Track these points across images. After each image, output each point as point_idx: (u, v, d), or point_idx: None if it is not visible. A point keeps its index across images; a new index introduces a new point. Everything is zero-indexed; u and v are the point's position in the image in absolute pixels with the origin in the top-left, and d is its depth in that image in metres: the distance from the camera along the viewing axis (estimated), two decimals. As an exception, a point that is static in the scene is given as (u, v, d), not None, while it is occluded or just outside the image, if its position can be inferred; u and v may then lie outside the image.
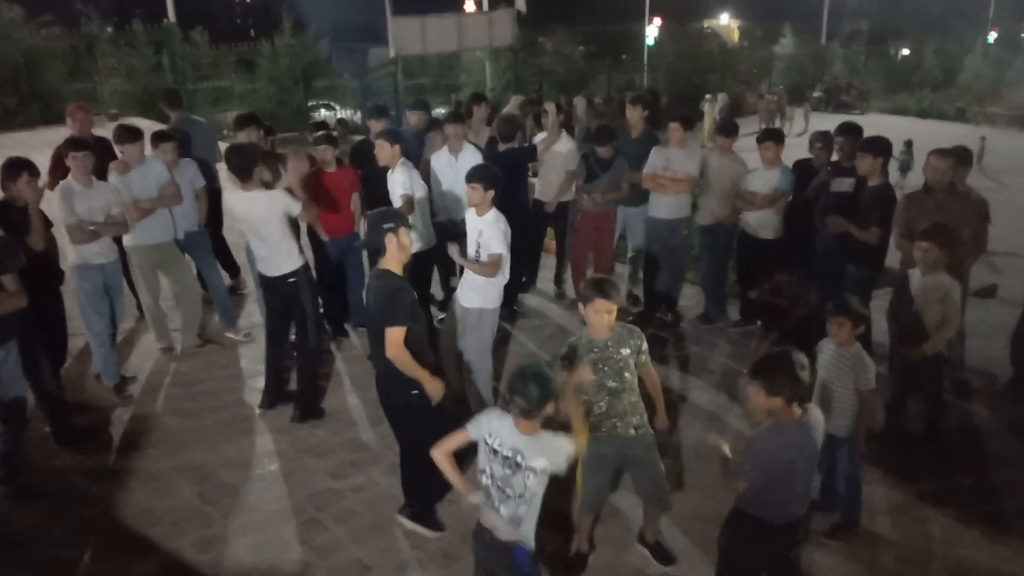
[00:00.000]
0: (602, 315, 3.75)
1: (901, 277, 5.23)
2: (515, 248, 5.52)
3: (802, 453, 3.23)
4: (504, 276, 5.35)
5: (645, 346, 3.93)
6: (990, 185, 13.83)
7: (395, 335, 3.99)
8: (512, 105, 9.82)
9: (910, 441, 5.30)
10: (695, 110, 25.53)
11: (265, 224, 5.52)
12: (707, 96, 23.76)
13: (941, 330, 4.89)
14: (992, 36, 40.88)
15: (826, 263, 6.34)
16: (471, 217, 5.38)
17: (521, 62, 26.54)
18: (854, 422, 4.30)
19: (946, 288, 4.84)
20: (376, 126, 7.40)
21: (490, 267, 5.23)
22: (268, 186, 5.80)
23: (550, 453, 3.03)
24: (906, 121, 25.98)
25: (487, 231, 5.21)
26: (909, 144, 15.55)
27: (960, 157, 5.96)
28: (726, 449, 3.35)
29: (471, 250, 5.35)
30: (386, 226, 4.07)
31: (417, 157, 7.40)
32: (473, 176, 5.23)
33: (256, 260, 5.93)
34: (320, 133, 6.93)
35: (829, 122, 25.13)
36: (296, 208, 5.60)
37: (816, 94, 28.76)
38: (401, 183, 6.07)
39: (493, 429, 3.15)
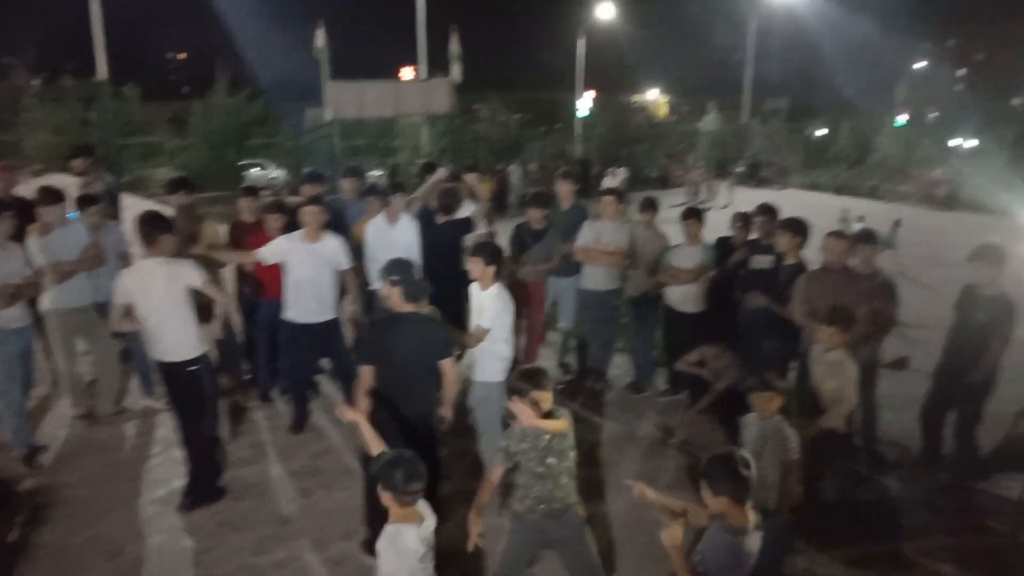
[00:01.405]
0: (542, 404, 3.82)
1: (803, 353, 5.44)
2: (457, 317, 5.57)
3: (749, 558, 3.28)
4: (509, 351, 5.39)
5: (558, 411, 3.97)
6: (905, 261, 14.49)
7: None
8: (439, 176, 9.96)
9: (825, 512, 5.45)
10: (627, 181, 26.33)
11: (164, 299, 5.11)
12: (608, 170, 24.45)
13: (836, 406, 5.05)
14: (903, 118, 43.45)
15: (747, 336, 6.55)
16: (475, 291, 5.48)
17: (457, 128, 27.00)
18: (777, 494, 4.40)
19: (842, 366, 5.04)
20: (309, 191, 7.42)
21: (471, 338, 5.33)
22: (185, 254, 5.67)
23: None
24: (823, 197, 27.21)
25: (486, 305, 5.30)
26: (897, 223, 16.52)
27: (863, 238, 6.26)
28: (678, 536, 3.37)
29: (473, 323, 5.41)
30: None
31: (352, 224, 7.44)
32: (475, 250, 5.36)
33: (152, 342, 5.28)
34: (271, 200, 6.95)
35: (751, 196, 26.15)
36: (199, 280, 5.23)
37: (739, 169, 29.94)
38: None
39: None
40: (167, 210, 6.36)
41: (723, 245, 7.23)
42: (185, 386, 5.26)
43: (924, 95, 58.69)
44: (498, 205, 17.22)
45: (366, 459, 4.80)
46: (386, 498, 3.28)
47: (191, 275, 5.24)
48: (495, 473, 3.98)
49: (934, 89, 61.02)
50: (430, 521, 3.41)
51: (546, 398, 3.82)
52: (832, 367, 5.10)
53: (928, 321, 6.97)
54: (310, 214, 6.19)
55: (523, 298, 7.53)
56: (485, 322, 5.28)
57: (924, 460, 6.31)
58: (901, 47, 63.59)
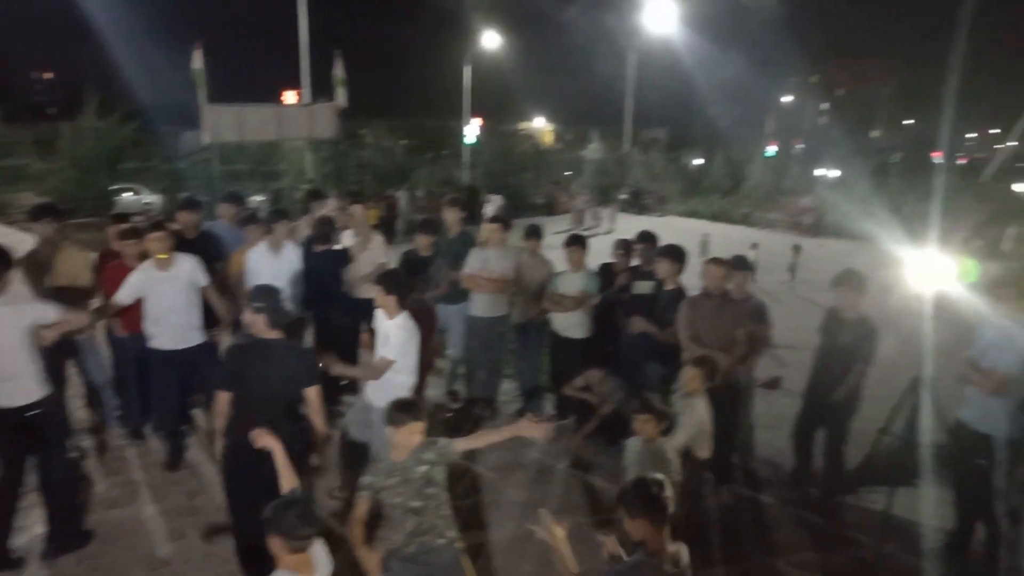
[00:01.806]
0: (415, 436, 3.78)
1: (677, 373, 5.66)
2: (340, 347, 5.48)
3: None
4: (412, 379, 5.35)
5: (438, 455, 3.92)
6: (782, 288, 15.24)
7: None
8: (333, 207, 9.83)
9: (704, 531, 5.62)
10: (513, 208, 26.65)
11: (5, 341, 4.70)
12: (484, 197, 24.76)
13: (699, 438, 5.31)
14: (773, 149, 45.96)
15: (630, 361, 6.72)
16: (380, 319, 5.41)
17: (342, 154, 26.67)
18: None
19: (693, 406, 5.27)
20: (186, 218, 7.16)
21: (373, 371, 5.27)
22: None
23: None
24: (699, 223, 28.35)
25: (392, 334, 5.23)
26: (798, 248, 17.26)
27: (736, 264, 6.56)
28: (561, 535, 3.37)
29: (378, 352, 5.33)
30: None
31: (231, 251, 7.21)
32: (379, 279, 5.35)
33: None
34: (126, 227, 6.59)
35: (634, 222, 26.94)
36: (49, 318, 4.87)
37: (622, 196, 30.87)
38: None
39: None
40: (28, 239, 6.00)
41: (605, 271, 7.41)
42: (26, 432, 4.84)
43: (791, 127, 62.45)
44: (386, 231, 17.08)
45: (232, 498, 4.65)
46: (275, 544, 3.06)
47: (39, 313, 4.90)
48: (359, 510, 3.87)
49: (800, 122, 65.03)
50: (324, 571, 3.23)
51: (422, 427, 3.80)
52: (686, 405, 5.33)
53: (798, 342, 7.33)
54: (155, 240, 5.95)
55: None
56: (390, 352, 5.21)
57: (796, 477, 6.62)
58: (770, 82, 67.43)
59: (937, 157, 52.11)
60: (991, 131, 68.23)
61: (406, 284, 5.46)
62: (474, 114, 35.76)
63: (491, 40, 34.81)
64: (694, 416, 5.26)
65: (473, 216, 22.61)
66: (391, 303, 5.25)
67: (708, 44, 47.78)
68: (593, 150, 36.66)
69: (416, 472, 3.80)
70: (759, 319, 6.42)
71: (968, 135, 76.71)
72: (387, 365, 5.21)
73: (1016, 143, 42.46)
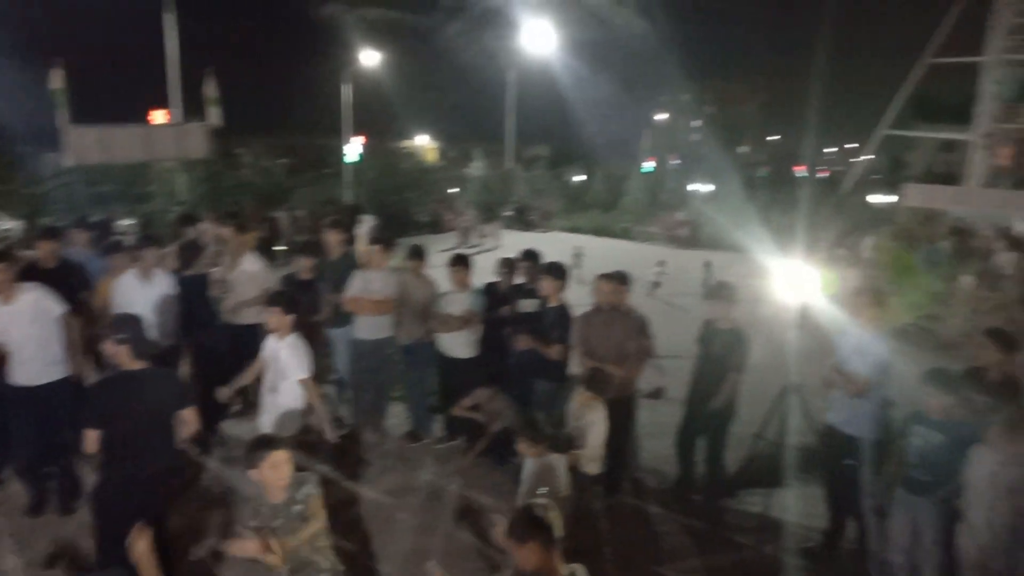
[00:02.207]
0: (282, 467, 3.68)
1: (567, 388, 5.76)
2: (214, 374, 5.30)
3: None
4: (301, 401, 5.36)
5: (313, 488, 3.87)
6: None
7: None
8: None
9: (594, 545, 5.71)
10: (398, 227, 26.42)
11: None
12: (358, 218, 24.45)
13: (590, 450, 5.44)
14: (649, 165, 47.55)
15: (518, 378, 6.76)
16: (270, 343, 5.35)
17: (218, 174, 25.77)
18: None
19: (594, 419, 5.40)
20: (46, 247, 6.73)
21: (305, 398, 5.30)
22: None
23: None
24: (583, 238, 28.97)
25: (284, 355, 5.17)
26: (708, 264, 17.99)
27: (621, 280, 6.72)
28: None
29: (268, 376, 5.28)
30: None
31: (92, 279, 6.83)
32: (272, 299, 5.33)
33: None
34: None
35: (519, 239, 27.11)
36: None
37: (507, 213, 31.14)
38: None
39: None
40: None
41: (490, 290, 7.44)
42: None
43: (667, 144, 64.93)
44: (267, 254, 16.57)
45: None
46: None
47: None
48: (141, 544, 3.61)
49: (675, 138, 67.66)
50: None
51: (288, 456, 3.71)
52: (584, 409, 5.44)
53: (681, 352, 7.54)
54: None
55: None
56: (293, 373, 5.20)
57: (680, 484, 6.82)
58: (644, 100, 69.94)
59: (800, 171, 55.48)
60: (848, 145, 72.96)
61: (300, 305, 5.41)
62: (356, 132, 35.33)
63: (370, 58, 34.54)
64: (600, 431, 5.36)
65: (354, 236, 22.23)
66: (286, 323, 5.18)
67: (585, 63, 49.11)
68: (477, 167, 36.89)
69: (293, 511, 3.71)
70: (642, 331, 6.60)
71: (827, 149, 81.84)
72: (307, 383, 5.18)
73: (871, 157, 45.61)
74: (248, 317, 7.34)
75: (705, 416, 6.36)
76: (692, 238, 28.03)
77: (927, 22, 36.67)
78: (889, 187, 35.92)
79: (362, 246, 10.08)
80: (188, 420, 4.59)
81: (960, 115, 40.32)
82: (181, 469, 4.53)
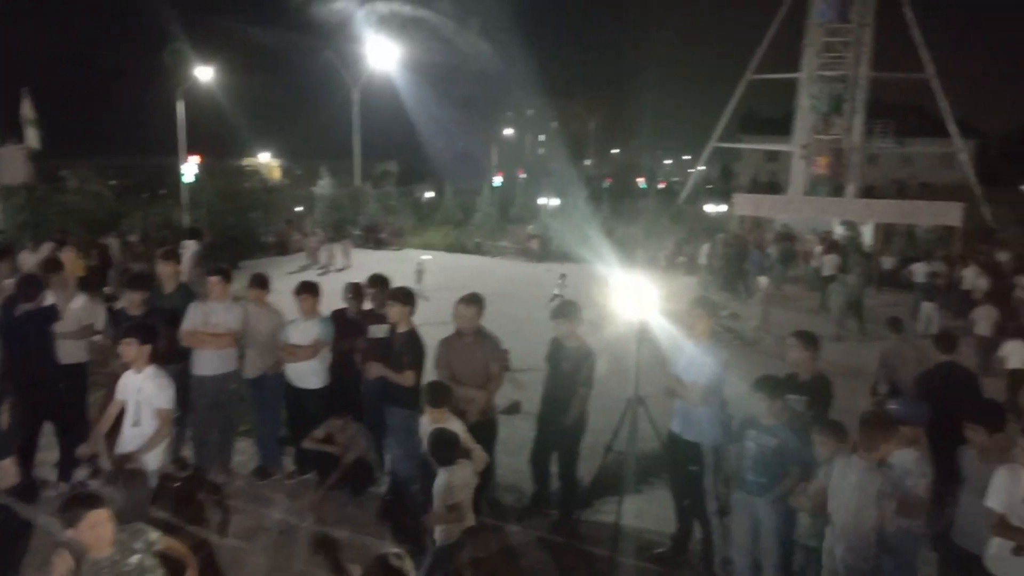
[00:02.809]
0: (102, 525, 3.45)
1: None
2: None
3: None
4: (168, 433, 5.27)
5: (155, 536, 3.69)
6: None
7: None
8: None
9: (456, 569, 5.68)
10: (242, 250, 25.44)
11: None
12: (183, 242, 23.48)
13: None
14: (498, 180, 48.31)
15: (370, 407, 6.66)
16: (128, 378, 5.21)
17: (40, 200, 23.88)
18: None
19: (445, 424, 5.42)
20: None
21: (162, 431, 5.11)
22: None
23: None
24: (435, 255, 28.98)
25: (148, 387, 5.05)
26: (563, 276, 18.16)
27: (480, 303, 6.72)
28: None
29: (130, 410, 5.11)
30: None
31: None
32: (128, 331, 5.19)
33: None
34: None
35: (370, 258, 26.69)
36: None
37: (356, 232, 30.65)
38: None
39: None
40: None
41: (339, 317, 7.28)
42: None
43: (515, 158, 66.15)
44: (98, 284, 15.50)
45: None
46: None
47: None
48: None
49: (521, 154, 69.05)
50: None
51: (109, 515, 3.49)
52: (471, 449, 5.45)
53: (535, 364, 7.62)
54: None
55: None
56: (158, 403, 5.12)
57: (536, 500, 6.90)
58: (491, 115, 70.96)
59: (641, 182, 58.06)
60: (684, 157, 77.02)
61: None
62: (192, 151, 33.82)
63: (204, 73, 33.17)
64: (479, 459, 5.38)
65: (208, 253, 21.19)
66: (144, 355, 4.92)
67: (432, 79, 49.36)
68: (324, 185, 36.07)
69: (129, 565, 3.47)
70: (500, 353, 6.65)
71: (666, 161, 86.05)
72: (168, 414, 5.18)
73: (704, 168, 48.40)
74: (70, 356, 6.85)
75: (557, 432, 6.49)
76: (542, 251, 28.63)
77: (750, 41, 39.29)
78: (721, 196, 38.14)
79: (184, 274, 9.61)
80: (5, 472, 4.21)
81: (781, 127, 43.60)
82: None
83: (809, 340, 5.79)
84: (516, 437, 8.02)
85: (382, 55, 38.26)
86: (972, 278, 18.43)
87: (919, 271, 18.92)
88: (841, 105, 35.57)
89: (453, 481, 4.97)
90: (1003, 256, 23.55)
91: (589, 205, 35.29)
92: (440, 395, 5.52)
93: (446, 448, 5.03)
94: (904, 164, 55.15)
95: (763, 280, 18.22)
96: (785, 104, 42.39)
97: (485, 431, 6.07)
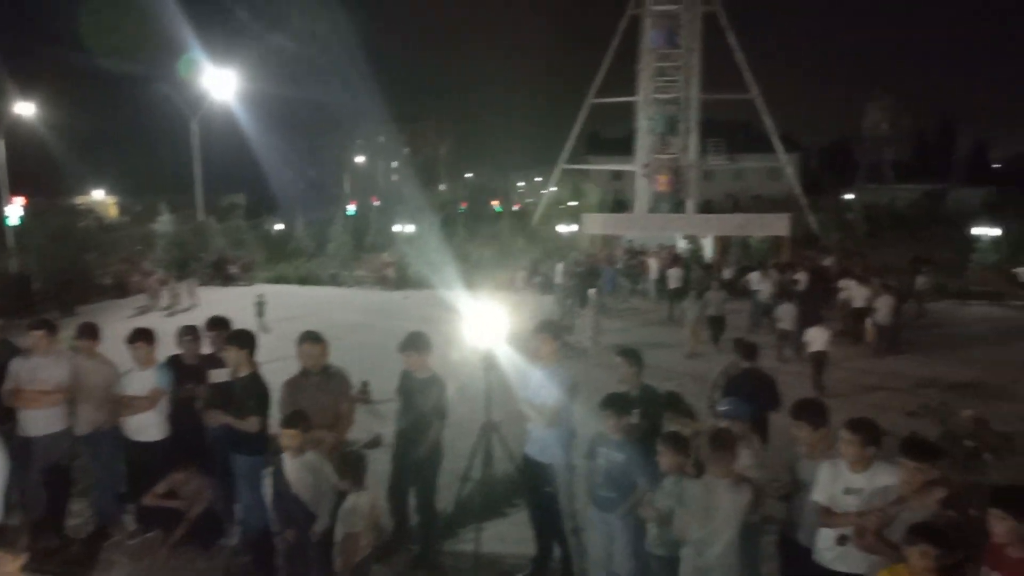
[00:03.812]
0: None
1: (276, 463, 5.55)
2: None
3: None
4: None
5: None
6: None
7: None
8: None
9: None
10: (77, 293, 23.80)
11: None
12: None
13: (321, 504, 5.29)
14: (352, 208, 47.63)
15: (216, 456, 6.38)
16: None
17: None
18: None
19: (316, 465, 5.29)
20: None
21: None
22: None
23: None
24: (289, 288, 28.25)
25: None
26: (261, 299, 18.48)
27: (323, 340, 6.60)
28: None
29: None
30: None
31: None
32: None
33: None
34: None
35: (218, 295, 25.70)
36: None
37: (202, 268, 29.40)
38: None
39: None
40: None
41: (176, 364, 6.92)
42: None
43: (368, 186, 65.53)
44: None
45: None
46: None
47: None
48: None
49: (374, 181, 68.52)
50: None
51: None
52: (305, 469, 5.27)
53: (387, 395, 7.53)
54: None
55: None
56: None
57: (396, 536, 6.81)
58: (342, 144, 70.08)
59: (496, 205, 58.84)
60: (536, 179, 78.74)
61: None
62: (16, 192, 31.46)
63: (25, 108, 31.01)
64: (322, 474, 5.33)
65: (29, 306, 19.72)
66: None
67: (276, 109, 48.20)
68: (165, 222, 34.38)
69: None
70: (348, 390, 6.54)
71: (519, 184, 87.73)
72: None
73: (555, 189, 49.62)
74: None
75: (413, 464, 6.44)
76: (399, 279, 28.47)
77: (594, 65, 40.84)
78: (572, 216, 39.30)
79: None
80: None
81: (624, 148, 45.50)
82: None
83: (633, 356, 6.03)
84: (378, 471, 7.92)
85: (222, 85, 37.05)
86: (803, 282, 19.95)
87: (755, 280, 20.15)
88: (676, 125, 37.60)
89: (359, 506, 4.88)
90: (828, 261, 25.54)
91: (445, 230, 35.45)
92: (297, 420, 5.40)
93: (355, 469, 4.91)
94: (736, 178, 58.81)
95: (592, 293, 18.90)
96: (627, 125, 44.36)
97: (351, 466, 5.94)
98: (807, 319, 14.33)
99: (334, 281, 29.64)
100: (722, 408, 5.49)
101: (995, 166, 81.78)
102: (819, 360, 13.27)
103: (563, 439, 5.90)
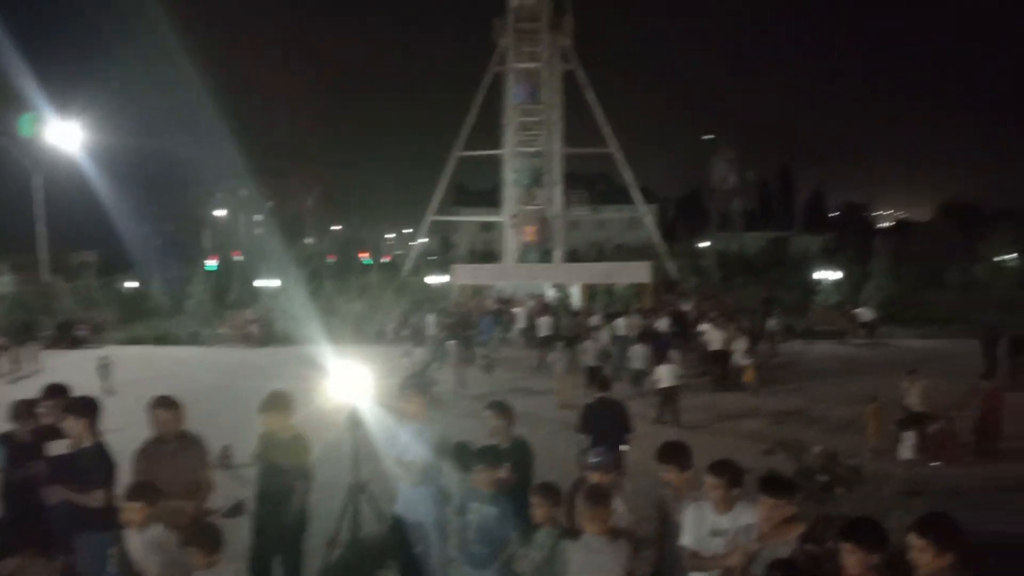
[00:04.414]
0: None
1: (117, 536, 5.19)
2: None
3: None
4: None
5: None
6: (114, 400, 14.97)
7: None
8: None
9: None
10: None
11: None
12: None
13: None
14: (213, 263, 45.81)
15: (59, 536, 5.85)
16: None
17: None
18: None
19: (163, 541, 4.96)
20: None
21: None
22: None
23: None
24: (144, 349, 26.74)
25: None
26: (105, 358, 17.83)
27: (178, 405, 6.23)
28: None
29: None
30: None
31: None
32: None
33: None
34: None
35: (65, 359, 24.10)
36: None
37: (48, 332, 27.42)
38: None
39: None
40: None
41: (8, 440, 6.33)
42: None
43: (230, 240, 63.35)
44: None
45: None
46: None
47: None
48: None
49: (236, 235, 66.36)
50: None
51: None
52: (153, 544, 4.94)
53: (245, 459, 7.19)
54: None
55: None
56: None
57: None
58: (201, 198, 67.69)
59: (365, 257, 58.24)
60: (406, 230, 78.71)
61: None
62: None
63: None
64: (169, 548, 4.99)
65: None
66: None
67: (128, 163, 46.06)
68: (5, 283, 31.98)
69: None
70: (207, 457, 6.17)
71: (388, 235, 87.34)
72: None
73: (425, 240, 49.72)
74: None
75: (277, 532, 6.13)
76: (264, 336, 27.54)
77: (458, 119, 41.45)
78: (442, 267, 39.40)
79: None
80: None
81: (491, 199, 46.27)
82: None
83: (503, 409, 6.04)
84: (241, 540, 7.51)
85: (68, 139, 35.14)
86: (664, 326, 20.78)
87: (621, 325, 20.73)
88: (541, 178, 38.61)
89: None
90: (687, 305, 26.68)
91: (312, 283, 34.66)
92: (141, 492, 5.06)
93: (210, 542, 4.59)
94: (600, 228, 60.94)
95: (451, 344, 18.97)
96: (494, 177, 45.18)
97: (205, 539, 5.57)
98: (659, 359, 15.59)
99: (194, 340, 28.31)
100: (593, 460, 5.50)
101: (832, 214, 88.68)
102: (667, 395, 14.46)
103: (433, 496, 5.79)
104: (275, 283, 34.88)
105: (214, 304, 32.70)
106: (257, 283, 35.78)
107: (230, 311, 32.00)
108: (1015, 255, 36.47)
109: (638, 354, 17.01)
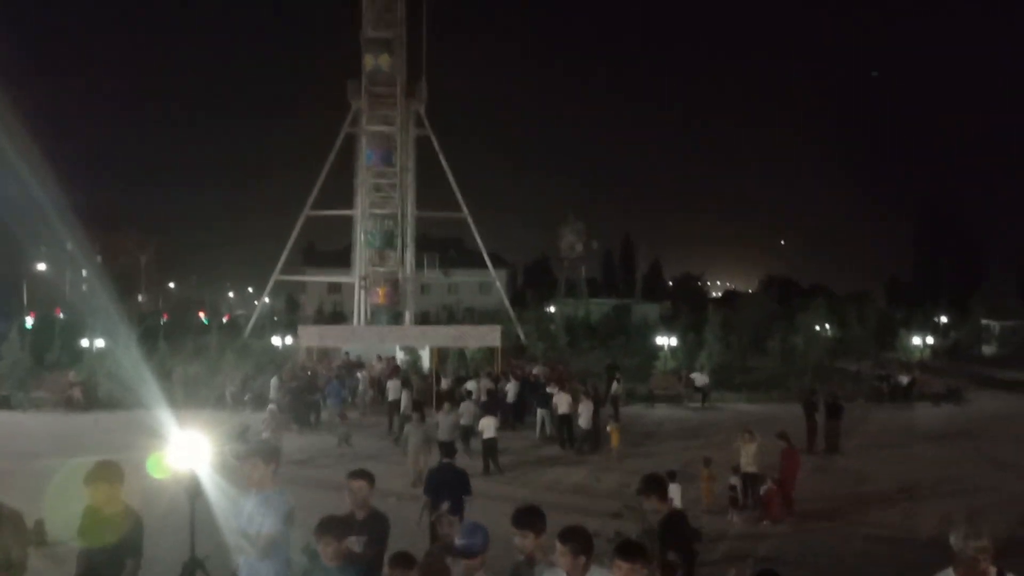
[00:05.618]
0: None
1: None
2: None
3: None
4: None
5: None
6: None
7: None
8: None
9: None
10: None
11: None
12: None
13: None
14: (30, 321, 42.16)
15: None
16: None
17: None
18: None
19: None
20: None
21: None
22: None
23: None
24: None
25: None
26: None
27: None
28: None
29: None
30: None
31: None
32: None
33: None
34: None
35: None
36: None
37: None
38: None
39: None
40: None
41: None
42: None
43: (52, 297, 58.62)
44: None
45: None
46: None
47: None
48: None
49: (60, 291, 61.57)
50: None
51: None
52: None
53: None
54: None
55: None
56: None
57: None
58: (19, 251, 62.49)
59: (204, 317, 55.42)
60: (248, 289, 75.90)
61: None
62: None
63: None
64: None
65: None
66: None
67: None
68: None
69: None
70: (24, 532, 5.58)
71: (230, 294, 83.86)
72: None
73: (268, 300, 47.98)
74: None
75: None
76: (88, 400, 25.52)
77: (309, 179, 40.77)
78: (287, 328, 38.14)
79: None
80: None
81: (343, 260, 45.50)
82: None
83: (363, 477, 5.89)
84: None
85: None
86: (513, 391, 21.03)
87: (471, 387, 20.80)
88: (393, 240, 38.42)
89: None
90: (537, 369, 27.13)
91: (144, 344, 32.48)
92: None
93: None
94: (451, 292, 61.19)
95: (272, 407, 18.46)
96: (344, 238, 44.53)
97: None
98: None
99: (7, 404, 25.78)
100: (460, 543, 5.27)
101: (670, 283, 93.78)
102: (489, 446, 16.28)
103: (279, 571, 5.48)
104: (102, 343, 32.43)
105: (31, 365, 29.98)
106: (82, 342, 33.17)
107: (49, 372, 29.48)
108: (827, 325, 39.98)
109: (466, 410, 18.20)
